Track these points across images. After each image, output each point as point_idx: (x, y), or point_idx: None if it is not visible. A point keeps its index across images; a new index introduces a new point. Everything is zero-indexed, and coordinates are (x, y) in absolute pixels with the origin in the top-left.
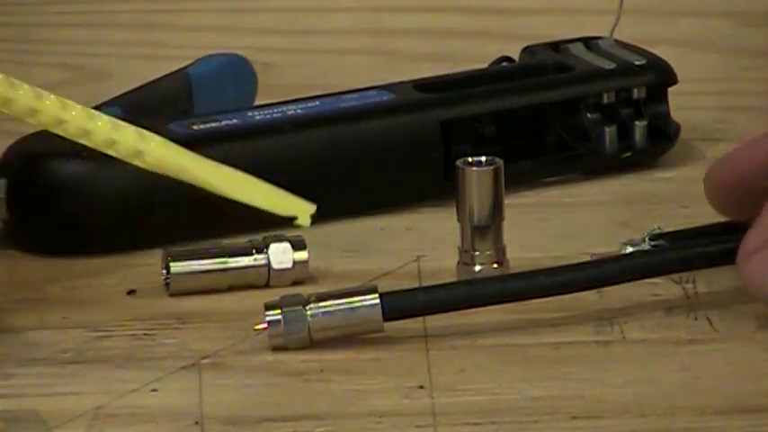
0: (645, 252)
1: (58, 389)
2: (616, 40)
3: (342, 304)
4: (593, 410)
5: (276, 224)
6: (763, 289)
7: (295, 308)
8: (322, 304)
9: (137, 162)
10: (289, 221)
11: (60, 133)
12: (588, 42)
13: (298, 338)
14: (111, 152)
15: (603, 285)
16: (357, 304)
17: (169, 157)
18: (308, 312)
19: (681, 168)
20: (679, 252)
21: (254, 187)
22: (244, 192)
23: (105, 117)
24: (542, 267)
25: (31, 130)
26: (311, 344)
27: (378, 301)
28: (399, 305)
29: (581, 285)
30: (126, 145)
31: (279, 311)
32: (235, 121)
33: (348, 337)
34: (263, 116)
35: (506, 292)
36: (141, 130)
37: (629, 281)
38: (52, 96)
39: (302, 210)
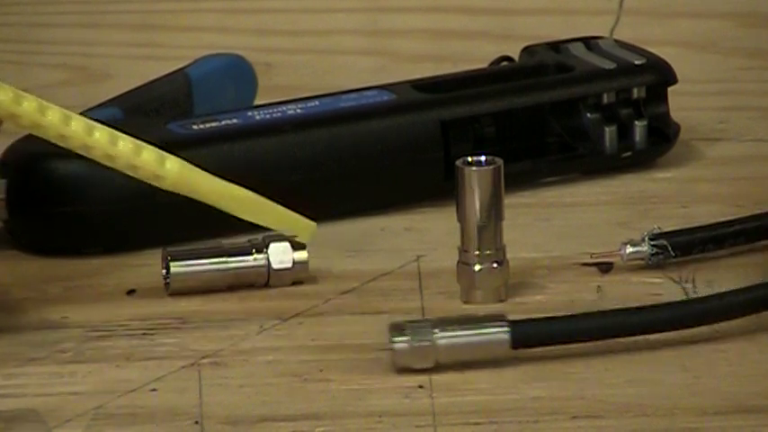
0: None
1: (57, 388)
2: (616, 40)
3: (471, 333)
4: (593, 410)
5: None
6: None
7: (424, 338)
8: (450, 333)
9: (157, 183)
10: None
11: (86, 155)
12: (588, 42)
13: (423, 365)
14: (133, 174)
15: (745, 314)
16: (486, 333)
17: (183, 177)
18: (437, 340)
19: (680, 168)
20: None
21: (260, 206)
22: (251, 211)
23: (127, 139)
24: (676, 300)
25: None
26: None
27: (507, 330)
28: (529, 335)
29: (719, 317)
30: (147, 167)
31: (406, 338)
32: (235, 120)
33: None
34: (262, 116)
35: (639, 324)
36: (162, 152)
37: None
38: (78, 118)
39: (304, 227)
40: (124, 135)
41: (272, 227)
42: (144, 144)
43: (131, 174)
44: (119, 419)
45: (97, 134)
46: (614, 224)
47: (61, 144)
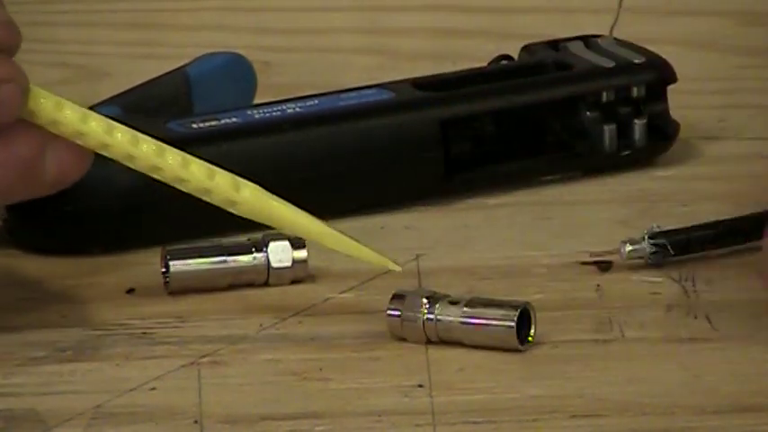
0: None
1: (57, 387)
2: (615, 39)
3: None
4: (592, 409)
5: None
6: None
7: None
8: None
9: (231, 209)
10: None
11: (158, 178)
12: (587, 41)
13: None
14: (206, 198)
15: None
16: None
17: (263, 206)
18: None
19: (680, 167)
20: None
21: (344, 241)
22: (338, 243)
23: (200, 162)
24: None
25: None
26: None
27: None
28: None
29: None
30: (220, 192)
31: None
32: (234, 119)
33: None
34: (262, 115)
35: None
36: (237, 177)
37: None
38: (149, 140)
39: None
40: (196, 159)
41: (358, 258)
42: (216, 168)
43: (204, 198)
44: (118, 418)
45: (169, 157)
46: (614, 222)
47: (128, 164)
